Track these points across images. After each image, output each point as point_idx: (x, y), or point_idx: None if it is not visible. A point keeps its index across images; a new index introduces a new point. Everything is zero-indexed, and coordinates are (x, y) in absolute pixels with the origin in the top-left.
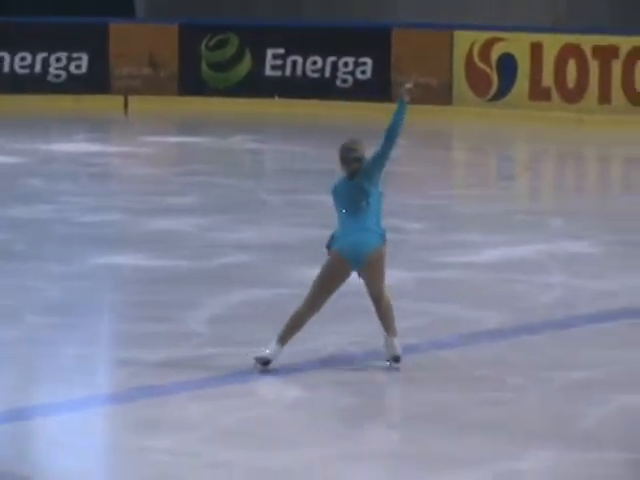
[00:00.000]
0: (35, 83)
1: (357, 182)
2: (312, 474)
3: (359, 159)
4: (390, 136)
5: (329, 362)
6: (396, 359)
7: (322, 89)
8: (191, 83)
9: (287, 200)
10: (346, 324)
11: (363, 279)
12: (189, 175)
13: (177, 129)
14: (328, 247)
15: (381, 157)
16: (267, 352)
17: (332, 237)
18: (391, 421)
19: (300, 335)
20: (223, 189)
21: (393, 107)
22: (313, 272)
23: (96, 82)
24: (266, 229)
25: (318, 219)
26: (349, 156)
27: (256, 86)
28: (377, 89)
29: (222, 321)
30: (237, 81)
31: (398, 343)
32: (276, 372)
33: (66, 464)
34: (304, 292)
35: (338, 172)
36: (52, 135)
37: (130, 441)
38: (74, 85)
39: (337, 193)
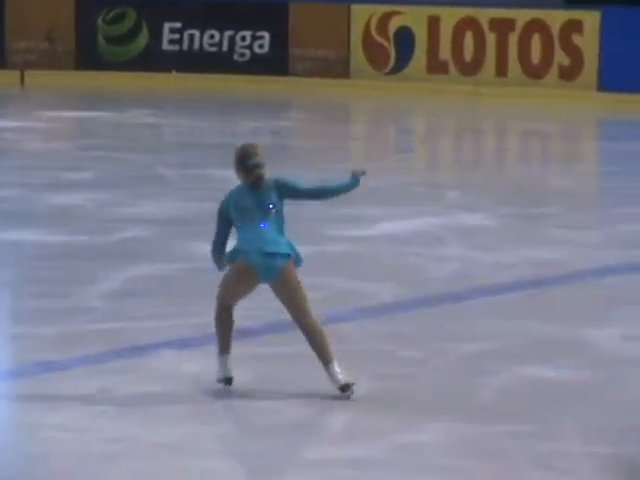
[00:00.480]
0: None
1: (266, 195)
2: (204, 449)
3: (261, 165)
4: (322, 194)
5: None
6: (343, 388)
7: (220, 63)
8: (88, 57)
9: (185, 174)
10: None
11: (279, 298)
12: (87, 150)
13: (74, 103)
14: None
15: (300, 196)
16: (222, 374)
17: (232, 252)
18: (287, 395)
19: (196, 309)
20: (121, 163)
21: (290, 81)
22: (203, 246)
23: None
24: (164, 203)
25: (216, 193)
26: (250, 163)
27: (153, 60)
28: (275, 63)
29: (119, 296)
30: (134, 55)
31: (339, 368)
32: (171, 346)
33: None
34: (202, 266)
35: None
36: None
37: (22, 417)
38: None
39: (238, 204)
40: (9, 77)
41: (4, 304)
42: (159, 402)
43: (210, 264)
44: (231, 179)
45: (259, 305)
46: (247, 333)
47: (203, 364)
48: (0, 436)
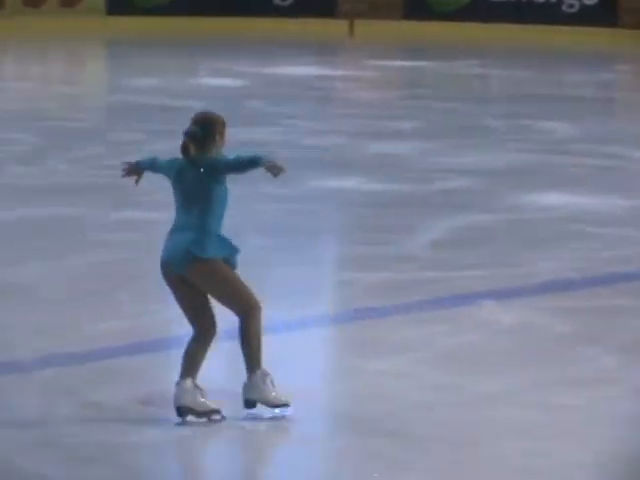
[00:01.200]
0: (261, 6)
1: (200, 171)
2: (522, 399)
3: (189, 133)
4: (238, 167)
5: (546, 288)
6: (247, 403)
7: (548, 14)
8: (417, 7)
9: (510, 125)
10: (561, 250)
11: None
12: (412, 99)
13: (401, 53)
14: None
15: (221, 170)
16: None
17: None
18: (605, 347)
19: (516, 260)
20: (446, 113)
21: (619, 33)
22: (528, 198)
23: (323, 6)
24: (488, 154)
25: (542, 145)
26: (186, 130)
27: (481, 11)
28: (603, 15)
29: (442, 246)
30: (464, 5)
31: (261, 382)
32: (493, 296)
33: (281, 382)
34: (525, 217)
35: (539, 101)
36: (277, 58)
37: (343, 361)
38: (300, 9)
39: (179, 171)
40: (339, 26)
41: (330, 250)
42: (479, 352)
43: (533, 215)
44: (558, 130)
45: (584, 256)
46: (568, 285)
47: (521, 315)
48: (323, 378)
